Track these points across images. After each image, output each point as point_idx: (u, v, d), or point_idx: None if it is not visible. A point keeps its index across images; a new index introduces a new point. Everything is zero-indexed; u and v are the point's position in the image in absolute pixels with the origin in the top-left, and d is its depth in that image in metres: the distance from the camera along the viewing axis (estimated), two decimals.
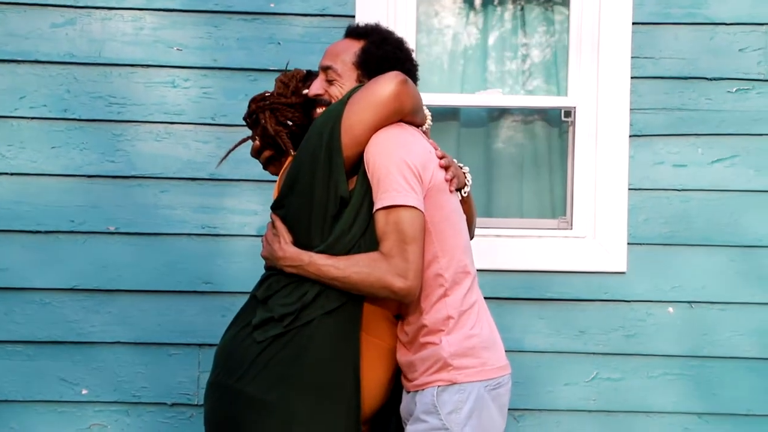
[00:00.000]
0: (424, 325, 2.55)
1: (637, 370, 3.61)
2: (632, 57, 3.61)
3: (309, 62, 3.52)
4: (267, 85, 3.50)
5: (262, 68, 3.59)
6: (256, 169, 3.52)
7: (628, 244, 3.61)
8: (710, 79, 3.61)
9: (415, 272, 2.48)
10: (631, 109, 3.60)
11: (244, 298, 3.38)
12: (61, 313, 3.55)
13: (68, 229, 3.55)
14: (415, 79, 2.74)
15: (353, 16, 3.58)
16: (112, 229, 3.55)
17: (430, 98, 3.65)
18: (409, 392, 2.62)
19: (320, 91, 2.73)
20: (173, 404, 3.56)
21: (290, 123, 2.77)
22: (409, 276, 2.47)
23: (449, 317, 2.54)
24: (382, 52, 2.73)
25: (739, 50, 3.61)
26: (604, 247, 3.60)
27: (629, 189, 3.60)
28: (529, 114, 3.77)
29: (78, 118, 3.55)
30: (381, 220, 2.50)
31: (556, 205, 3.73)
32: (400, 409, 2.67)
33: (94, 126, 3.56)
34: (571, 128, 3.68)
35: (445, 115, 3.73)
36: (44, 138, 3.56)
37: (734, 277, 3.61)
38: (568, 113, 3.67)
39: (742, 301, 3.60)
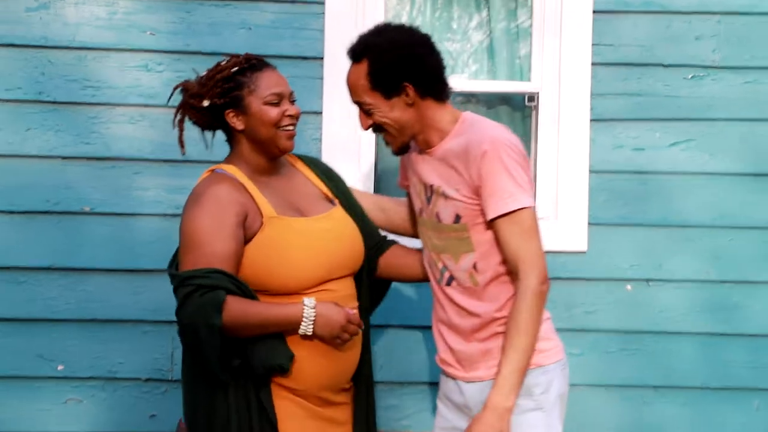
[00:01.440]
0: (500, 317, 2.84)
1: (597, 346, 3.80)
2: (593, 44, 3.78)
3: (279, 47, 3.70)
4: None
5: (233, 53, 3.70)
6: (227, 150, 3.67)
7: (589, 224, 3.79)
8: (667, 66, 3.79)
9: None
10: (591, 94, 3.78)
11: None
12: (37, 291, 3.69)
13: (44, 209, 3.68)
14: (434, 61, 2.89)
15: (322, 2, 3.73)
16: (87, 209, 3.69)
17: None
18: (472, 382, 2.88)
19: (367, 124, 2.92)
20: (147, 379, 3.71)
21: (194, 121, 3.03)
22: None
23: None
24: (386, 65, 2.84)
25: (695, 38, 3.79)
26: (565, 228, 3.78)
27: (590, 171, 3.78)
28: (493, 99, 3.93)
29: (53, 100, 3.69)
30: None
31: None
32: (452, 399, 2.96)
33: (69, 108, 3.70)
34: (534, 113, 3.85)
35: None
36: (20, 120, 3.69)
37: (690, 255, 3.81)
38: (531, 98, 3.83)
39: (697, 278, 3.81)
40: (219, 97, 2.96)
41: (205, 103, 2.97)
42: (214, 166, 3.02)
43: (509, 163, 2.76)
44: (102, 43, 3.71)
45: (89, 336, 3.71)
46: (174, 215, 3.69)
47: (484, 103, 3.93)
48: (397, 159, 3.78)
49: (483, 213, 2.80)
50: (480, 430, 2.70)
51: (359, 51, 2.87)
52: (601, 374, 3.79)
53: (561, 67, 3.78)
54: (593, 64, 3.79)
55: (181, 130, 3.05)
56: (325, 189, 3.14)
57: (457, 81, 3.86)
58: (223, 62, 3.02)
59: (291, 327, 2.80)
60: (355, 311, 2.86)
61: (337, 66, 3.67)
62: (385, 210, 3.24)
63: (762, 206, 3.80)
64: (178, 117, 3.05)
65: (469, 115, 2.95)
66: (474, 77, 3.94)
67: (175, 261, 3.00)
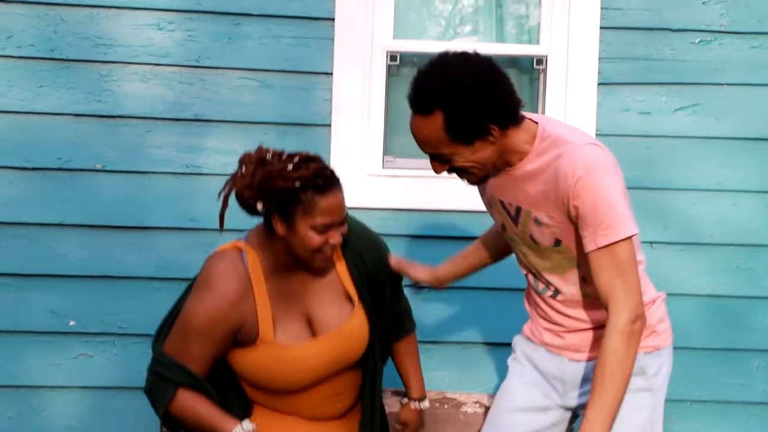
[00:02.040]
0: None
1: None
2: (602, 8, 3.83)
3: (290, 8, 3.75)
4: (250, 29, 3.75)
5: (245, 12, 3.78)
6: (237, 110, 3.80)
7: None
8: (674, 30, 3.85)
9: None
10: (599, 58, 3.84)
11: (228, 236, 3.64)
12: (49, 247, 3.76)
13: (56, 166, 3.74)
14: (510, 90, 2.65)
15: None
16: (98, 167, 3.75)
17: (405, 44, 3.87)
18: (576, 361, 2.86)
19: (443, 170, 2.70)
20: None
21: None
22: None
23: (645, 292, 2.72)
24: (465, 116, 2.57)
25: (702, 3, 3.85)
26: None
27: (597, 135, 3.83)
28: (502, 62, 3.91)
29: (65, 58, 3.73)
30: None
31: None
32: (541, 368, 2.95)
33: (81, 66, 3.74)
34: (542, 75, 3.91)
35: (419, 60, 3.93)
36: (32, 77, 3.73)
37: (694, 219, 3.88)
38: (539, 61, 3.89)
39: (701, 242, 3.88)
40: (271, 202, 2.83)
41: (259, 206, 2.84)
42: (240, 244, 2.96)
43: (606, 190, 2.55)
44: (114, 2, 3.75)
45: (100, 292, 3.78)
46: (184, 174, 3.81)
47: None
48: (407, 120, 3.88)
49: None
50: None
51: (427, 103, 2.58)
52: None
53: (570, 30, 3.83)
54: (601, 28, 3.84)
55: (225, 206, 2.92)
56: (350, 286, 3.05)
57: (468, 44, 3.92)
58: (291, 167, 2.81)
59: None
60: None
61: (347, 26, 3.73)
62: (490, 247, 3.18)
63: (765, 171, 3.88)
64: (225, 192, 2.89)
65: (547, 128, 2.69)
66: (483, 40, 3.99)
67: (168, 319, 3.10)
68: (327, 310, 3.02)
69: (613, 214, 2.55)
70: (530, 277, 2.91)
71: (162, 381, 2.94)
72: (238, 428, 2.86)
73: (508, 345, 3.80)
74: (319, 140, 3.80)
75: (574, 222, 2.62)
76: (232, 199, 2.87)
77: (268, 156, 2.85)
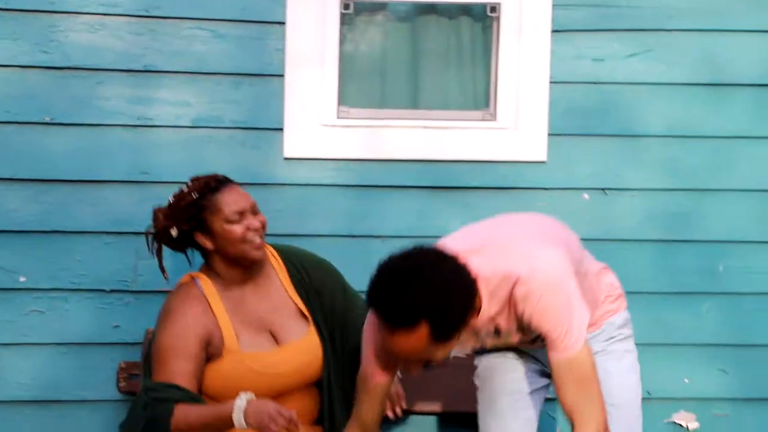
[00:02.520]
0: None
1: None
2: None
3: None
4: None
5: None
6: (189, 60, 3.75)
7: (549, 135, 3.89)
8: None
9: None
10: (553, 5, 3.84)
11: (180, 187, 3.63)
12: None
13: (4, 119, 3.66)
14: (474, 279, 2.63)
15: None
16: (47, 119, 3.68)
17: None
18: None
19: (419, 370, 2.64)
20: (111, 291, 3.74)
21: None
22: None
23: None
24: (452, 320, 2.54)
25: None
26: (525, 138, 3.88)
27: (550, 82, 3.87)
28: (454, 9, 3.97)
29: (10, 8, 3.63)
30: None
31: (480, 98, 3.97)
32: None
33: (27, 16, 3.64)
34: (495, 23, 3.91)
35: (373, 8, 3.92)
36: None
37: (646, 165, 3.94)
38: (493, 8, 3.88)
39: (653, 187, 3.94)
40: (185, 222, 3.24)
41: (174, 232, 3.25)
42: (193, 273, 3.31)
43: (560, 310, 2.62)
44: None
45: (51, 247, 3.71)
46: (136, 126, 3.75)
47: (445, 13, 3.97)
48: (361, 69, 3.90)
49: None
50: None
51: (411, 316, 2.48)
52: None
53: None
54: None
55: (160, 258, 3.34)
56: (300, 303, 3.35)
57: None
58: (185, 188, 3.27)
59: (227, 421, 3.02)
60: (292, 411, 2.98)
61: None
62: None
63: (715, 116, 3.93)
64: (155, 246, 3.33)
65: (481, 272, 2.63)
66: None
67: (146, 362, 3.31)
68: (286, 324, 3.33)
69: (569, 332, 2.62)
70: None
71: (159, 404, 3.10)
72: (238, 401, 3.00)
73: None
74: (273, 91, 3.78)
75: None
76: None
77: (170, 198, 3.28)
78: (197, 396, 3.15)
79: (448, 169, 3.87)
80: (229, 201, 3.21)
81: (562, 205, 3.89)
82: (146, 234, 3.32)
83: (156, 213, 3.30)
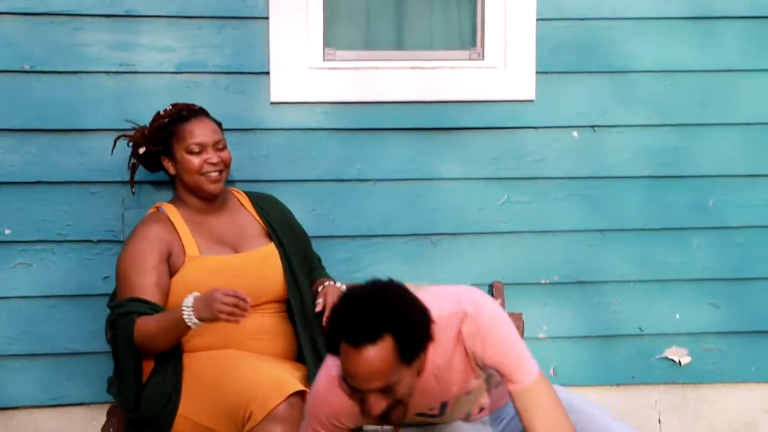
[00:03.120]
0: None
1: (545, 193, 3.93)
2: None
3: None
4: None
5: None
6: (171, 4, 3.68)
7: (537, 73, 3.87)
8: None
9: None
10: None
11: None
12: None
13: None
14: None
15: None
16: (27, 67, 3.60)
17: None
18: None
19: (384, 406, 2.54)
20: (99, 241, 3.70)
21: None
22: None
23: None
24: (413, 332, 2.51)
25: None
26: (513, 77, 3.86)
27: (537, 19, 3.85)
28: None
29: None
30: None
31: (467, 37, 3.94)
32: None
33: None
34: None
35: None
36: None
37: (633, 101, 3.93)
38: None
39: (641, 123, 3.94)
40: (154, 144, 3.42)
41: (141, 150, 3.44)
42: (159, 204, 3.45)
43: (506, 342, 2.65)
44: None
45: (35, 198, 3.66)
46: (118, 72, 3.68)
47: None
48: (347, 10, 3.86)
49: None
50: None
51: (375, 328, 2.46)
52: (549, 221, 3.93)
53: None
54: None
55: (132, 172, 3.53)
56: (265, 226, 3.48)
57: None
58: (162, 112, 3.43)
59: (182, 323, 3.07)
60: (233, 289, 3.01)
61: None
62: None
63: (703, 50, 3.94)
64: (131, 161, 3.51)
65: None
66: None
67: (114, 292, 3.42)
68: (248, 239, 3.44)
69: (522, 359, 2.65)
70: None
71: (122, 319, 3.18)
72: (184, 300, 3.06)
73: (454, 235, 3.89)
74: (257, 34, 3.72)
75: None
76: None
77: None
78: (160, 306, 3.20)
79: (437, 110, 3.85)
80: (194, 132, 3.35)
81: (551, 143, 3.90)
82: (117, 138, 3.51)
83: (136, 129, 3.49)
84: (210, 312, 3.01)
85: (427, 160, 3.85)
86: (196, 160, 3.33)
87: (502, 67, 3.85)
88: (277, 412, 2.98)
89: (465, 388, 2.77)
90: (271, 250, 3.41)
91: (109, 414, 3.41)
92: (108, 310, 3.31)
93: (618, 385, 4.02)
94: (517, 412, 2.68)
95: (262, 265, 3.37)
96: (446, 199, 3.88)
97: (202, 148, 3.33)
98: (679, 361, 4.01)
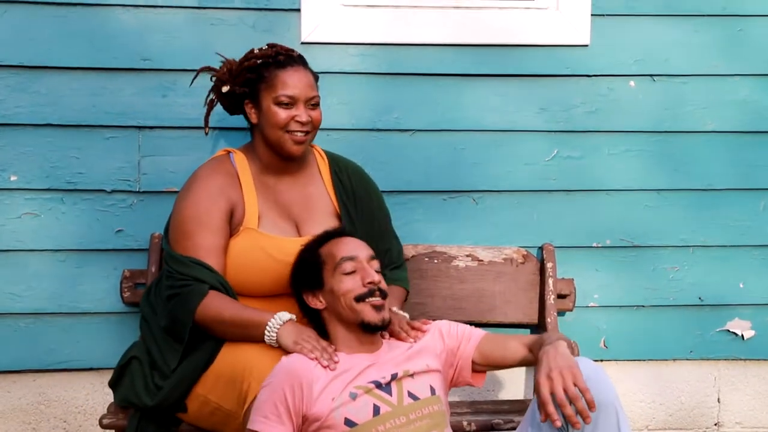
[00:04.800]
0: None
1: (598, 148, 3.69)
2: None
3: None
4: None
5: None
6: None
7: (592, 15, 3.63)
8: None
9: None
10: None
11: (186, 77, 3.35)
12: None
13: None
14: None
15: None
16: None
17: None
18: None
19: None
20: (112, 191, 3.47)
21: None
22: None
23: None
24: None
25: None
26: (567, 19, 3.62)
27: None
28: None
29: None
30: None
31: None
32: None
33: None
34: None
35: None
36: None
37: (697, 48, 3.69)
38: None
39: (705, 73, 3.69)
40: (240, 85, 3.10)
41: (225, 88, 3.13)
42: (230, 149, 3.18)
43: None
44: None
45: (44, 142, 3.44)
46: (136, 6, 3.45)
47: None
48: None
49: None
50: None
51: None
52: (602, 178, 3.69)
53: None
54: None
55: (208, 110, 3.22)
56: (336, 204, 3.20)
57: None
58: (257, 50, 3.12)
59: (259, 328, 2.84)
60: (328, 344, 2.82)
61: None
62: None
63: None
64: (210, 97, 3.21)
65: None
66: None
67: (167, 234, 3.14)
68: (315, 218, 3.14)
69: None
70: None
71: (196, 285, 2.93)
72: (280, 313, 2.85)
73: (498, 192, 3.64)
74: None
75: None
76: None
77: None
78: (227, 284, 2.96)
79: (481, 54, 3.62)
80: (287, 82, 3.03)
81: (606, 93, 3.67)
82: (200, 70, 3.22)
83: (223, 63, 3.17)
84: (291, 346, 2.77)
85: (471, 110, 3.61)
86: (283, 114, 3.01)
87: (554, 8, 3.62)
88: None
89: (413, 369, 2.77)
90: None
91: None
92: (120, 271, 3.21)
93: (674, 360, 3.78)
94: (491, 355, 2.86)
95: None
96: (490, 152, 3.64)
97: (293, 102, 3.02)
98: (742, 335, 3.77)
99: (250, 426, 2.64)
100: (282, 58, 3.05)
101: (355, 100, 3.58)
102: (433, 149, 3.62)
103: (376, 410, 2.65)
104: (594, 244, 3.69)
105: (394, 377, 2.72)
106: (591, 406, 2.51)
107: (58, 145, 3.45)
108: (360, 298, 2.77)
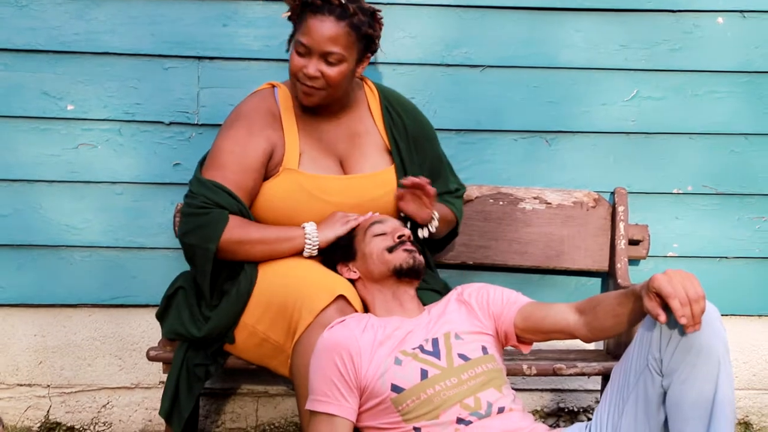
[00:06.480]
0: None
1: (681, 88, 3.52)
2: None
3: None
4: None
5: None
6: None
7: None
8: None
9: None
10: None
11: (247, 6, 3.30)
12: (40, 18, 3.36)
13: None
14: None
15: None
16: None
17: None
18: None
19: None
20: (171, 123, 3.42)
21: None
22: None
23: None
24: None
25: None
26: None
27: None
28: None
29: None
30: None
31: None
32: None
33: None
34: None
35: None
36: None
37: None
38: None
39: None
40: (289, 19, 3.01)
41: (283, 15, 3.03)
42: (274, 83, 3.09)
43: None
44: None
45: (101, 71, 3.40)
46: None
47: None
48: None
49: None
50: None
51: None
52: (684, 121, 3.52)
53: None
54: None
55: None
56: (386, 141, 3.10)
57: None
58: None
59: (293, 245, 2.89)
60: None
61: None
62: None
63: None
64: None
65: None
66: None
67: (201, 163, 3.09)
68: (362, 155, 3.07)
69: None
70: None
71: (213, 209, 2.89)
72: (307, 225, 2.89)
73: (573, 134, 3.49)
74: None
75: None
76: None
77: None
78: (249, 213, 2.93)
79: None
80: (309, 29, 2.89)
81: (691, 30, 3.49)
82: None
83: None
84: (334, 229, 2.84)
85: (545, 45, 3.47)
86: (295, 61, 2.92)
87: None
88: (326, 315, 2.69)
89: (457, 330, 2.70)
90: (388, 175, 3.04)
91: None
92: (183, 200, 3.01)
93: (759, 315, 3.60)
94: (532, 317, 2.70)
95: (372, 193, 3.00)
96: (565, 91, 3.50)
97: (307, 51, 2.90)
98: None
99: (309, 407, 2.58)
100: (319, 3, 2.90)
101: (423, 33, 3.45)
102: (505, 87, 3.49)
103: (424, 374, 2.56)
104: (674, 191, 3.53)
105: (438, 340, 2.63)
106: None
107: (116, 75, 3.40)
108: (391, 249, 2.76)
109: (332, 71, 2.89)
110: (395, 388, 2.54)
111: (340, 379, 2.55)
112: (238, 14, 3.39)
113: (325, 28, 2.88)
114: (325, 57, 2.89)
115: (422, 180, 2.89)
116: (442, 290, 3.04)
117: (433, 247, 3.19)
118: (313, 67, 2.90)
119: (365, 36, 2.91)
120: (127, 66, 3.40)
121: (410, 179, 2.88)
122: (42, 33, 3.36)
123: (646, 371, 2.42)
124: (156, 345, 3.08)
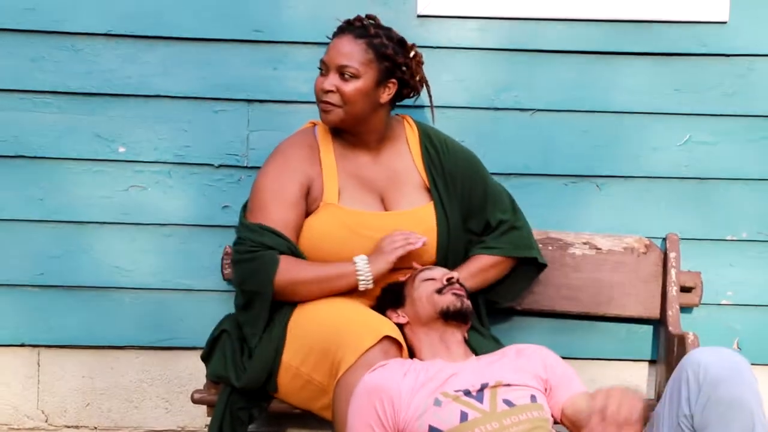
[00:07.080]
0: None
1: (735, 133, 3.49)
2: None
3: None
4: None
5: None
6: None
7: None
8: None
9: None
10: None
11: (297, 49, 3.31)
12: (95, 61, 3.43)
13: None
14: None
15: None
16: None
17: None
18: None
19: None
20: (220, 166, 3.46)
21: None
22: None
23: None
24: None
25: None
26: None
27: None
28: None
29: None
30: None
31: None
32: None
33: None
34: None
35: None
36: None
37: None
38: None
39: None
40: None
41: None
42: (315, 121, 3.18)
43: None
44: None
45: (153, 115, 3.45)
46: None
47: None
48: None
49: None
50: None
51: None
52: (739, 166, 3.48)
53: None
54: None
55: None
56: (425, 178, 3.15)
57: None
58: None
59: (348, 278, 2.91)
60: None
61: None
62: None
63: None
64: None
65: None
66: None
67: (245, 206, 3.16)
68: (401, 192, 3.12)
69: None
70: None
71: (263, 251, 2.93)
72: (358, 259, 2.92)
73: (624, 179, 3.47)
74: None
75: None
76: None
77: None
78: (298, 250, 2.96)
79: (609, 30, 3.47)
80: (329, 49, 3.02)
81: (746, 74, 3.47)
82: None
83: None
84: (385, 259, 2.91)
85: (596, 89, 3.47)
86: (316, 81, 3.03)
87: None
88: (370, 356, 2.68)
89: (508, 380, 2.67)
90: (426, 211, 3.08)
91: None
92: (231, 242, 3.10)
93: None
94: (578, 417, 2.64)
95: (411, 230, 3.01)
96: (616, 135, 3.49)
97: (325, 68, 3.01)
98: None
99: None
100: (344, 25, 3.05)
101: (472, 77, 3.47)
102: (555, 130, 3.49)
103: (464, 416, 2.55)
104: (728, 237, 3.49)
105: (485, 386, 2.61)
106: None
107: (167, 117, 3.46)
108: (440, 290, 2.79)
109: (347, 87, 2.98)
110: (433, 430, 2.52)
111: (377, 423, 2.54)
112: (288, 57, 3.44)
113: (342, 45, 3.01)
114: (340, 71, 2.99)
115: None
116: (495, 343, 3.05)
117: (509, 291, 3.24)
118: (329, 82, 3.00)
119: (385, 57, 2.98)
120: (178, 109, 3.45)
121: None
122: (96, 76, 3.43)
123: (678, 430, 2.38)
124: (201, 388, 3.11)
